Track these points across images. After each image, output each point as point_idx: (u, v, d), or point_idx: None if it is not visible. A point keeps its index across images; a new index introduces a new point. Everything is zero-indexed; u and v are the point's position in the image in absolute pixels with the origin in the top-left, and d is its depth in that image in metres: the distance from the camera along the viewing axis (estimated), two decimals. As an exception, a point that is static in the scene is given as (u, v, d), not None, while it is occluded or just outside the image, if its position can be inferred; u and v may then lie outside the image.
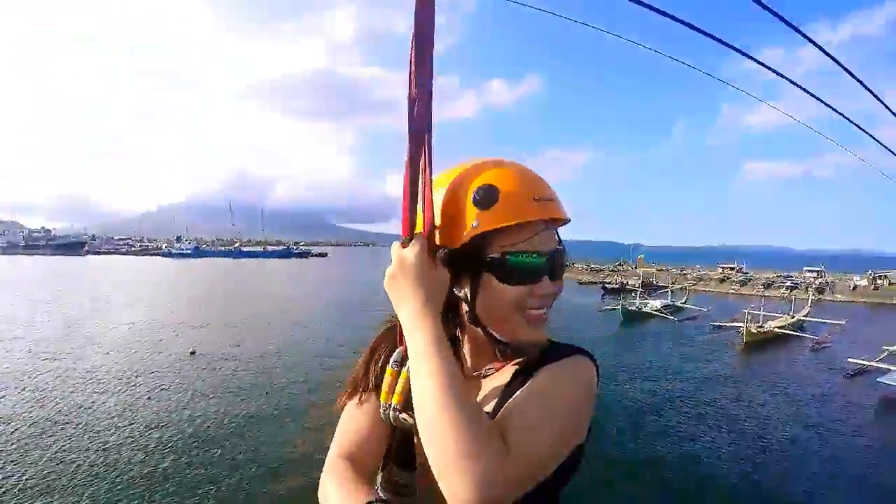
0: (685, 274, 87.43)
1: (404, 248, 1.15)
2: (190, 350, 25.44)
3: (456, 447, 0.92)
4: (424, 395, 1.00)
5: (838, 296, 71.53)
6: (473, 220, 1.16)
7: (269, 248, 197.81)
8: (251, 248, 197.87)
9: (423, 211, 1.17)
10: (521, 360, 1.28)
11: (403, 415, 1.18)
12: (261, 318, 36.50)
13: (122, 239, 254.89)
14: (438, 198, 1.22)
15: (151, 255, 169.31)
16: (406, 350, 1.13)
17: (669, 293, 54.15)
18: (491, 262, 1.18)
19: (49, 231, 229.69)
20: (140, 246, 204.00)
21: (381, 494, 1.22)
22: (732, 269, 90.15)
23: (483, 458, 0.92)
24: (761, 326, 33.07)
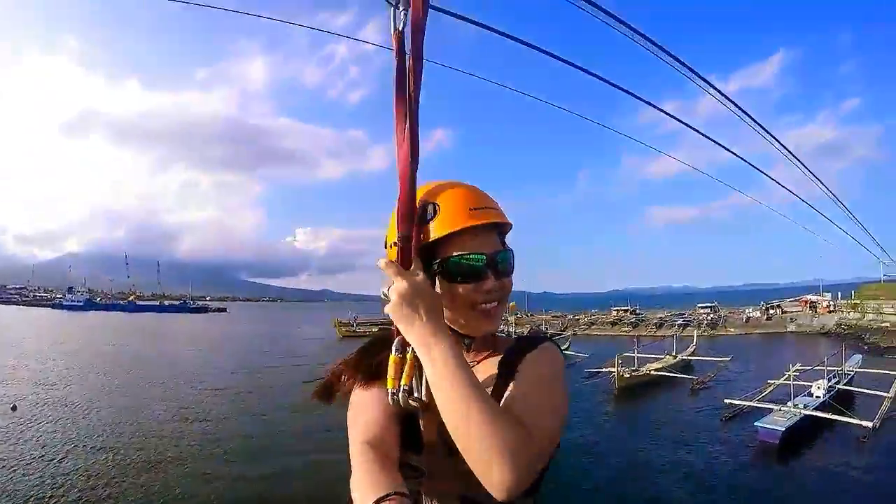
0: (577, 319, 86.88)
1: (404, 266, 1.30)
2: (11, 405, 23.70)
3: (491, 443, 1.06)
4: (455, 403, 1.12)
5: (731, 329, 71.92)
6: (421, 234, 1.36)
7: (167, 302, 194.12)
8: (147, 302, 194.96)
9: (414, 238, 1.34)
10: (497, 352, 1.47)
11: (411, 399, 1.28)
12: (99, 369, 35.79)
13: (16, 288, 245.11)
14: (389, 223, 1.43)
15: (42, 305, 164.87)
16: (403, 340, 1.28)
17: (567, 339, 53.62)
18: (439, 268, 1.38)
19: None
20: (33, 296, 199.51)
21: (404, 488, 1.26)
22: (626, 310, 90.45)
23: (515, 447, 1.06)
24: (637, 370, 31.45)
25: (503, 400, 1.25)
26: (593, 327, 79.88)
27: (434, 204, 1.37)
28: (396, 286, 1.24)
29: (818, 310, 75.26)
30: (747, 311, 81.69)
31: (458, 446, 1.11)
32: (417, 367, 1.26)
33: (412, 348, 1.24)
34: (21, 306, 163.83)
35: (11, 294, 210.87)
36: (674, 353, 36.99)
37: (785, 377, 23.61)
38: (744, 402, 22.22)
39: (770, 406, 20.73)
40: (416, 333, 1.21)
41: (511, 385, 1.29)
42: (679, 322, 75.64)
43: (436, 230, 1.36)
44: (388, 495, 1.17)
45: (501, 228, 1.48)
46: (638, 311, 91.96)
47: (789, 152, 10.37)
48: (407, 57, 1.32)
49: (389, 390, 1.29)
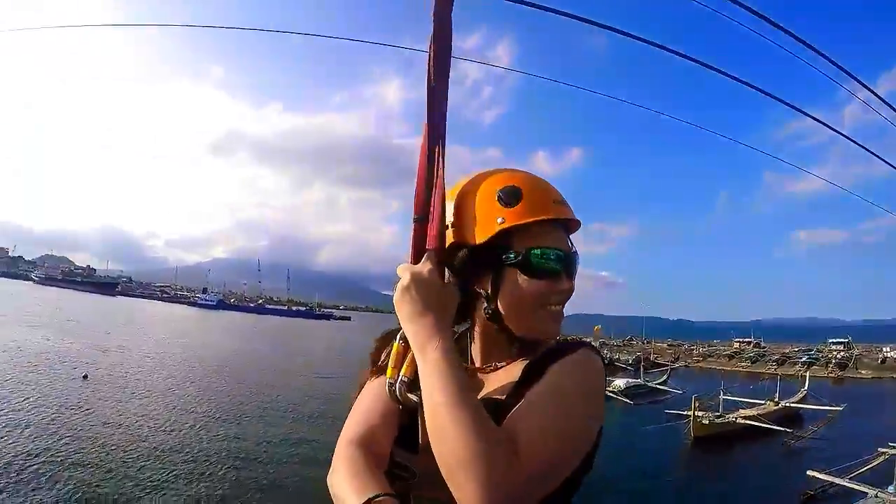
0: (692, 349, 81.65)
1: (415, 263, 1.26)
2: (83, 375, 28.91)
3: (464, 455, 0.97)
4: (435, 407, 1.05)
5: (863, 372, 63.28)
6: (498, 217, 1.26)
7: (294, 307, 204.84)
8: (274, 306, 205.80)
9: (432, 224, 1.28)
10: (529, 356, 1.32)
11: (411, 393, 1.21)
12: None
13: (160, 285, 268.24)
14: (454, 201, 1.35)
15: (179, 302, 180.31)
16: None
17: (667, 371, 49.58)
18: (517, 257, 1.27)
19: (94, 270, 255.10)
20: (174, 293, 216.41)
21: (389, 488, 1.22)
22: (748, 342, 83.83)
23: (490, 465, 0.95)
24: (721, 415, 26.74)
25: (511, 411, 1.12)
26: (709, 359, 74.87)
27: (517, 188, 1.29)
28: (401, 278, 1.21)
29: None
30: (885, 350, 71.65)
31: (434, 455, 1.03)
32: None
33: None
34: (163, 302, 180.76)
35: (155, 290, 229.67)
36: (776, 398, 31.76)
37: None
38: (831, 479, 17.05)
39: (866, 489, 15.48)
40: (413, 330, 1.17)
41: (528, 392, 1.16)
42: (804, 359, 68.13)
43: (519, 215, 1.26)
44: (376, 496, 1.12)
45: (569, 228, 1.38)
46: (762, 345, 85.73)
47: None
48: (429, 49, 1.31)
49: (387, 380, 1.24)
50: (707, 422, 25.65)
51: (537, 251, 1.25)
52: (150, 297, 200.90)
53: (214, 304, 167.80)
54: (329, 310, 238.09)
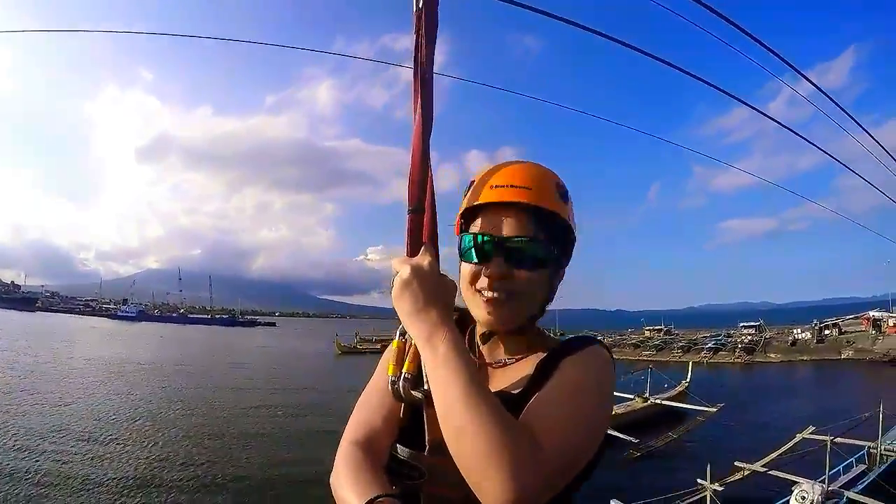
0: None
1: (411, 254, 1.25)
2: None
3: (488, 449, 0.94)
4: (451, 402, 1.01)
5: (772, 355, 61.48)
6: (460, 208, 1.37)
7: (217, 315, 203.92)
8: (198, 315, 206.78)
9: (427, 215, 1.31)
10: (538, 351, 1.33)
11: (414, 390, 1.19)
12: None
13: (86, 299, 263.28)
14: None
15: (99, 315, 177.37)
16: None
17: None
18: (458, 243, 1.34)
19: (18, 287, 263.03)
20: (98, 307, 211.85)
21: (393, 488, 1.22)
22: (658, 330, 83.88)
23: (516, 458, 0.93)
24: None
25: (528, 403, 1.12)
26: (613, 349, 73.44)
27: (472, 179, 1.36)
28: (400, 272, 1.17)
29: (884, 329, 62.13)
30: (795, 332, 70.74)
31: (451, 453, 1.01)
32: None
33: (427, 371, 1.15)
34: (83, 315, 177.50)
35: (78, 304, 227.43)
36: (645, 394, 27.54)
37: (782, 450, 16.18)
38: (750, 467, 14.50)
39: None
40: (417, 324, 1.12)
41: (541, 388, 1.16)
42: (710, 345, 66.96)
43: (463, 205, 1.36)
44: (378, 497, 1.13)
45: (543, 215, 1.28)
46: (674, 332, 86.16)
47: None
48: (421, 34, 1.32)
49: (389, 377, 1.22)
50: None
51: (466, 234, 1.30)
52: (72, 311, 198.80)
53: (135, 315, 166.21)
54: (254, 317, 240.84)
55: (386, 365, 1.30)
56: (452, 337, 1.07)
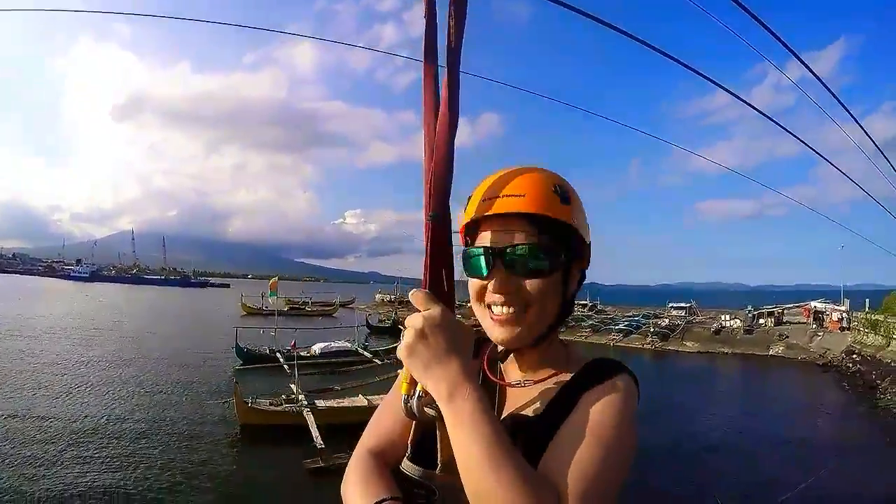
0: None
1: (432, 262, 1.20)
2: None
3: None
4: (474, 464, 0.98)
5: (689, 344, 53.15)
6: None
7: (170, 277, 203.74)
8: (151, 276, 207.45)
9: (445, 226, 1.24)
10: (566, 372, 1.28)
11: (427, 408, 1.12)
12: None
13: (46, 261, 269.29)
14: None
15: (54, 276, 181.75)
16: None
17: None
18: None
19: None
20: (58, 268, 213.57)
21: (398, 494, 1.23)
22: (584, 305, 74.23)
23: None
24: (296, 402, 21.51)
25: (552, 445, 1.11)
26: None
27: (470, 195, 1.31)
28: (411, 321, 1.10)
29: (825, 323, 54.20)
30: (723, 318, 60.69)
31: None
32: None
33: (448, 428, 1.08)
34: (42, 277, 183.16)
35: (39, 266, 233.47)
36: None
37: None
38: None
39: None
40: (435, 378, 1.06)
41: (566, 426, 1.13)
42: (619, 327, 59.23)
43: (462, 221, 1.32)
44: (383, 500, 1.19)
45: (540, 220, 1.22)
46: (603, 310, 78.44)
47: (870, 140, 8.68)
48: (448, 13, 1.20)
49: (402, 395, 1.16)
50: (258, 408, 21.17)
51: (465, 251, 1.27)
52: (31, 272, 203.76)
53: (87, 275, 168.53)
54: (206, 278, 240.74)
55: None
56: (475, 395, 1.02)
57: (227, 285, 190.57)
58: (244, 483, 16.41)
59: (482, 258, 1.22)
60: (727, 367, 45.44)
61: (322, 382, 26.07)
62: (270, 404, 21.34)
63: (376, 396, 21.62)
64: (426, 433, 1.20)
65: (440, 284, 1.21)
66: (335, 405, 21.74)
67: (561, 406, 1.18)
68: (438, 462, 1.18)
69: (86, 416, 21.45)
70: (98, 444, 18.32)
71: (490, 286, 1.22)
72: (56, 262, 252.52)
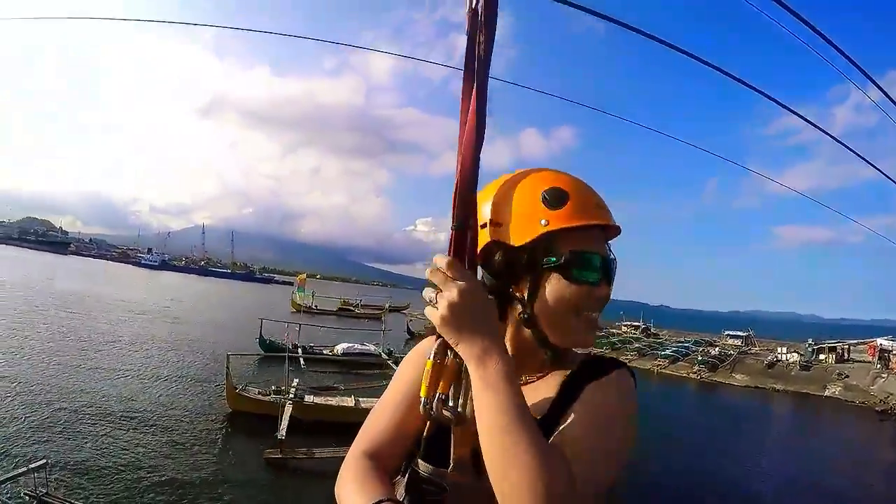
0: None
1: (454, 262, 1.14)
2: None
3: (528, 478, 0.95)
4: (496, 426, 1.01)
5: (738, 376, 49.73)
6: (542, 219, 1.21)
7: (237, 271, 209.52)
8: (216, 269, 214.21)
9: (473, 234, 1.19)
10: (564, 370, 1.30)
11: (445, 409, 1.14)
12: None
13: (120, 248, 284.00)
14: (492, 199, 1.28)
15: (125, 262, 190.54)
16: (445, 344, 1.13)
17: None
18: (558, 261, 1.22)
19: (66, 233, 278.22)
20: (132, 254, 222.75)
21: (395, 496, 1.25)
22: (637, 327, 75.38)
23: (553, 489, 0.96)
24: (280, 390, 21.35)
25: (555, 433, 1.13)
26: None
27: (563, 190, 1.24)
28: (446, 293, 1.09)
29: (891, 364, 48.30)
30: (780, 350, 57.95)
31: (490, 477, 1.01)
32: (457, 376, 1.13)
33: (452, 353, 1.12)
34: (112, 262, 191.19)
35: (112, 251, 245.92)
36: None
37: None
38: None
39: None
40: (468, 346, 1.08)
41: (568, 417, 1.15)
42: (665, 352, 56.85)
43: (564, 219, 1.21)
44: (380, 501, 1.16)
45: (608, 234, 1.33)
46: (656, 333, 77.61)
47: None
48: (478, 34, 1.15)
49: (422, 398, 1.14)
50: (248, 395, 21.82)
51: (580, 256, 1.21)
52: (103, 257, 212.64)
53: (157, 264, 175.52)
54: (272, 275, 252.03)
55: (400, 383, 1.39)
56: (505, 360, 1.06)
57: (291, 283, 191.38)
58: (197, 466, 16.46)
59: (607, 266, 1.25)
60: (776, 407, 41.65)
61: (332, 381, 27.01)
62: (259, 393, 21.97)
63: (366, 399, 22.05)
64: (438, 432, 1.25)
65: None
66: (321, 402, 22.01)
67: (563, 400, 1.21)
68: (451, 461, 1.21)
69: (83, 391, 22.18)
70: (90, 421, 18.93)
71: (596, 292, 1.23)
72: (130, 249, 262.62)
